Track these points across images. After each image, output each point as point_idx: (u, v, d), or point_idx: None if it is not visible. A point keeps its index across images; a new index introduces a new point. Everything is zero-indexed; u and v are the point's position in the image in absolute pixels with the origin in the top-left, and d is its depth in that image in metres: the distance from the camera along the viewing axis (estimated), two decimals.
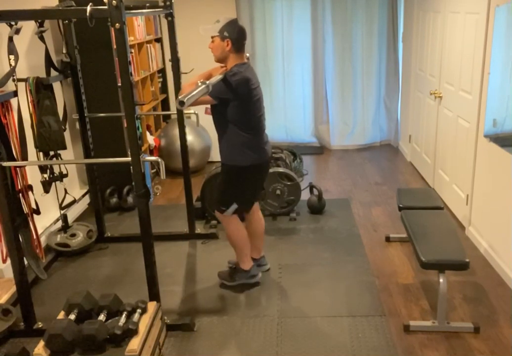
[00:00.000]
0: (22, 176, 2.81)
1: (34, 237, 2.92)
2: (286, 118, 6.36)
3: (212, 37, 2.81)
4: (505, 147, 3.11)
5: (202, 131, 5.43)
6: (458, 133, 3.91)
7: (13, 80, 2.68)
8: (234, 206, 2.99)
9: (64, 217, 3.73)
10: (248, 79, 2.76)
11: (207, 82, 2.48)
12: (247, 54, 2.95)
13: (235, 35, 2.78)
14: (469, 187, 3.69)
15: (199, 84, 2.45)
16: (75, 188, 4.51)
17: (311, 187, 4.37)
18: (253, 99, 2.82)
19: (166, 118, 6.10)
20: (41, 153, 3.16)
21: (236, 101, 2.76)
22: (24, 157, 2.83)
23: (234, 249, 3.15)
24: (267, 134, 3.02)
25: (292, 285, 3.18)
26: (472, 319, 2.76)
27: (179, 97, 2.25)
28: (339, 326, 2.75)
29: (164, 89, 6.19)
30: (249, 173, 2.94)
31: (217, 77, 2.70)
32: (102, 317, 2.46)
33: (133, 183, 2.46)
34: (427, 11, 4.78)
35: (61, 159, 3.30)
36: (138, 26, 5.08)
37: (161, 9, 3.43)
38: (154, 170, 5.15)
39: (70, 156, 4.37)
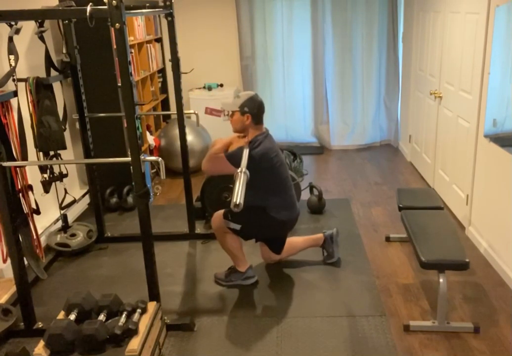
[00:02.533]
0: (22, 176, 2.81)
1: (34, 237, 2.92)
2: (286, 118, 6.36)
3: (233, 112, 2.95)
4: (505, 147, 3.11)
5: (202, 131, 5.43)
6: (458, 133, 3.91)
7: (13, 80, 2.68)
8: (236, 227, 3.03)
9: (64, 217, 3.73)
10: (268, 149, 2.92)
11: (244, 169, 2.62)
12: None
13: (255, 111, 2.93)
14: (469, 187, 3.69)
15: (239, 173, 2.59)
16: (75, 188, 4.51)
17: (311, 187, 4.37)
18: (276, 165, 2.96)
19: (166, 118, 6.10)
20: (41, 153, 3.16)
21: (262, 170, 2.88)
22: (24, 157, 2.83)
23: (228, 254, 3.18)
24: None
25: (292, 285, 3.18)
26: (472, 319, 2.76)
27: (233, 201, 2.40)
28: (339, 326, 2.75)
29: (164, 89, 6.20)
30: (275, 223, 3.05)
31: (244, 154, 2.81)
32: (102, 317, 2.46)
33: (133, 183, 2.46)
34: (427, 11, 4.78)
35: (61, 159, 3.30)
36: (138, 26, 5.08)
37: (161, 9, 3.43)
38: (154, 170, 5.15)
39: (70, 156, 4.38)
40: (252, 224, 3.07)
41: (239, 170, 2.60)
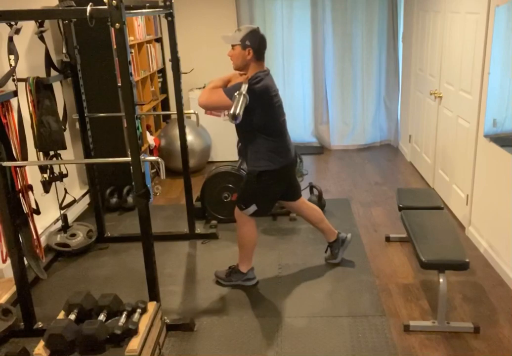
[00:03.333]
0: (22, 176, 2.81)
1: (34, 237, 2.92)
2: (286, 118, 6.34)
3: (233, 46, 2.85)
4: (505, 147, 3.11)
5: (202, 131, 5.43)
6: (458, 133, 3.91)
7: (13, 80, 2.68)
8: (254, 207, 3.02)
9: (64, 217, 3.73)
10: (269, 86, 2.83)
11: (243, 92, 2.53)
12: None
13: (257, 44, 2.82)
14: (469, 187, 3.69)
15: (236, 95, 2.51)
16: (75, 188, 4.51)
17: (311, 187, 4.37)
18: (275, 105, 2.89)
19: (166, 118, 6.10)
20: (41, 153, 3.16)
21: (260, 107, 2.81)
22: (24, 157, 2.83)
23: (240, 249, 3.16)
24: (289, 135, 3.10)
25: (292, 285, 3.18)
26: (472, 319, 2.76)
27: (231, 112, 2.33)
28: (339, 326, 2.75)
29: (164, 89, 6.19)
30: (274, 176, 3.00)
31: (244, 86, 2.72)
32: (102, 317, 2.46)
33: (133, 183, 2.46)
34: (427, 11, 4.78)
35: (61, 159, 3.30)
36: (138, 26, 5.08)
37: (161, 9, 3.43)
38: (154, 170, 5.15)
39: (70, 156, 4.37)
40: (261, 195, 3.03)
41: (237, 93, 2.52)
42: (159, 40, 6.03)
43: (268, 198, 3.09)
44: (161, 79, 6.11)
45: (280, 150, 2.96)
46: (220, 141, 5.67)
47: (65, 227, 3.74)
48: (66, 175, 3.36)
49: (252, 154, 2.96)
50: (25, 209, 2.84)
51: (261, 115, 2.84)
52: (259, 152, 2.94)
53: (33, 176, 3.20)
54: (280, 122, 2.96)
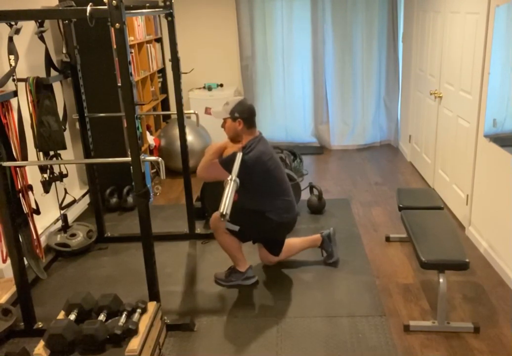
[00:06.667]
0: (22, 176, 2.81)
1: (34, 237, 2.92)
2: (286, 118, 6.35)
3: (224, 119, 2.96)
4: (505, 147, 3.11)
5: (202, 131, 5.43)
6: (458, 133, 3.91)
7: (13, 80, 2.68)
8: (235, 228, 3.04)
9: (64, 217, 3.73)
10: (262, 153, 2.92)
11: (234, 177, 2.60)
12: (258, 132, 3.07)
13: (245, 115, 2.94)
14: (469, 187, 3.69)
15: (228, 181, 2.57)
16: (75, 188, 4.51)
17: (311, 187, 4.37)
18: (271, 168, 2.96)
19: (166, 118, 6.10)
20: (41, 153, 3.16)
21: (257, 174, 2.90)
22: (24, 157, 2.83)
23: (228, 254, 3.19)
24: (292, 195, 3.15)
25: (292, 285, 3.18)
26: (472, 319, 2.76)
27: (220, 210, 2.38)
28: (339, 326, 2.75)
29: (164, 89, 6.20)
30: (273, 225, 3.05)
31: (237, 160, 2.79)
32: (102, 317, 2.46)
33: (133, 183, 2.46)
34: (427, 11, 4.78)
35: (61, 159, 3.30)
36: (138, 26, 5.08)
37: (161, 9, 3.43)
38: (154, 170, 5.15)
39: (70, 156, 4.38)
40: (250, 225, 3.07)
41: (229, 178, 2.59)
42: (159, 40, 6.03)
43: (252, 234, 3.15)
44: (161, 79, 6.12)
45: (282, 208, 3.03)
46: (220, 141, 5.65)
47: (65, 227, 3.74)
48: (66, 175, 3.36)
49: (256, 210, 3.02)
50: (25, 209, 2.85)
51: (259, 181, 2.93)
52: (265, 210, 3.00)
53: (33, 176, 3.20)
54: (279, 182, 3.03)
